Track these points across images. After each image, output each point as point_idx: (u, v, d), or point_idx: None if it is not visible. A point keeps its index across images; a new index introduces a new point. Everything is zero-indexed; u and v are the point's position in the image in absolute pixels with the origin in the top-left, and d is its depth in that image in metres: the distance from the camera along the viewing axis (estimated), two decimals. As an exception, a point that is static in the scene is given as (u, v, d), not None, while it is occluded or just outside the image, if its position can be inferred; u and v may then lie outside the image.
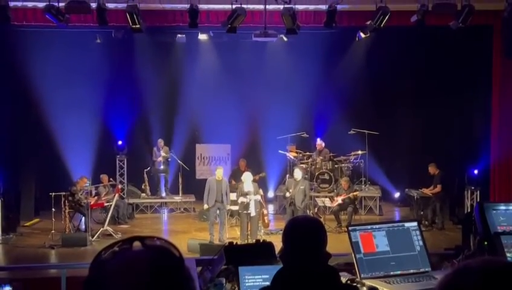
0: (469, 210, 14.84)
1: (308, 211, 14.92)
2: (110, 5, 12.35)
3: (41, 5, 12.24)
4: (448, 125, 16.91)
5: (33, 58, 16.52)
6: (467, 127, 16.69)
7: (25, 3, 12.63)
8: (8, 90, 16.52)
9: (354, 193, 15.56)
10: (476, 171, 15.68)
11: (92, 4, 11.75)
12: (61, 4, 11.57)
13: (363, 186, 17.45)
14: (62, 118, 17.07)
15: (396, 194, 17.93)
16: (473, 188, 15.45)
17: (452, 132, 16.86)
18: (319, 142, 17.83)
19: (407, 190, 16.45)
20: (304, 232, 3.14)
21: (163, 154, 17.66)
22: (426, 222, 15.13)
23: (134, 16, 12.03)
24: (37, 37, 16.04)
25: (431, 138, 17.06)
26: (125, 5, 11.98)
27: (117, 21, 13.87)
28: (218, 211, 14.07)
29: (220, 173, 14.26)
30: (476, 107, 16.38)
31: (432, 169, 15.68)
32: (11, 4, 11.96)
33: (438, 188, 15.50)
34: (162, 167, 17.79)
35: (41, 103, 17.04)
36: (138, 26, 12.25)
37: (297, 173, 14.45)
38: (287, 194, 14.35)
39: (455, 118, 16.93)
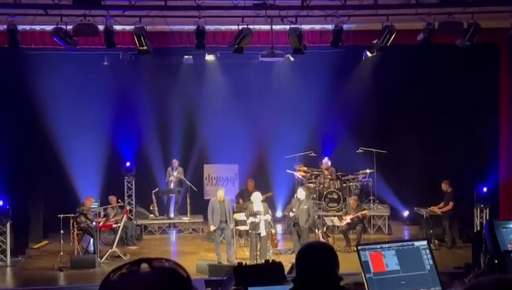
0: (479, 228, 14.77)
1: (317, 231, 14.88)
2: (118, 27, 12.42)
3: (49, 28, 12.32)
4: (457, 143, 16.86)
5: (41, 80, 16.63)
6: (475, 145, 16.62)
7: (33, 27, 12.71)
8: (16, 113, 16.60)
9: (363, 212, 15.50)
10: (485, 189, 15.60)
11: (99, 26, 11.82)
12: (69, 27, 11.64)
13: (372, 205, 17.39)
14: (70, 139, 17.13)
15: (405, 213, 17.85)
16: (482, 206, 15.37)
17: (460, 149, 16.79)
18: (327, 161, 17.81)
19: (416, 208, 16.38)
20: (316, 260, 3.14)
21: (175, 174, 17.64)
22: (436, 241, 15.05)
23: (142, 38, 12.09)
24: (45, 59, 16.14)
25: (439, 156, 17.00)
26: (132, 27, 12.04)
27: (124, 43, 13.95)
28: (223, 231, 14.07)
29: (221, 194, 14.28)
30: (484, 124, 16.33)
31: (445, 186, 15.61)
32: (20, 28, 12.04)
33: (450, 205, 15.42)
34: (175, 186, 17.78)
35: (49, 124, 17.11)
36: (145, 48, 12.31)
37: (301, 193, 14.41)
38: (291, 214, 14.33)
39: (463, 136, 16.87)
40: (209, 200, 15.01)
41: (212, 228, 14.12)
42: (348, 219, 15.39)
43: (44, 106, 16.91)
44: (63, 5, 11.25)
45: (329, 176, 17.46)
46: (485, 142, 16.41)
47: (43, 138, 17.16)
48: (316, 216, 16.24)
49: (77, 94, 17.07)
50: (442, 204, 15.62)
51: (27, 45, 14.10)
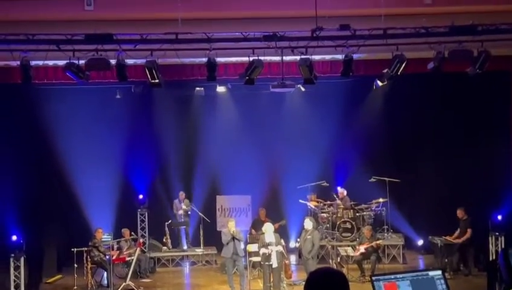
0: (494, 257, 14.64)
1: (330, 261, 14.80)
2: (129, 61, 12.50)
3: (61, 63, 12.43)
4: (470, 171, 16.79)
5: (54, 115, 16.82)
6: (489, 172, 16.55)
7: (46, 62, 12.82)
8: (30, 147, 16.77)
9: (377, 242, 15.41)
10: (499, 217, 15.49)
11: (111, 60, 11.91)
12: (82, 61, 11.74)
13: (386, 234, 17.28)
14: (83, 173, 17.24)
15: (420, 242, 17.73)
16: (497, 234, 15.24)
17: (474, 177, 16.72)
18: (340, 191, 17.77)
19: (430, 237, 16.27)
20: (326, 286, 3.11)
21: (184, 207, 17.63)
22: (451, 270, 14.92)
23: (153, 71, 12.16)
24: (58, 94, 16.31)
25: (453, 184, 16.93)
26: (144, 60, 12.12)
27: (136, 76, 14.05)
28: (235, 263, 14.04)
29: (232, 225, 14.25)
30: (497, 152, 16.28)
31: (461, 213, 15.49)
32: (33, 63, 12.16)
33: (468, 233, 15.28)
34: (183, 219, 17.75)
35: (63, 158, 17.24)
36: (157, 80, 12.37)
37: (307, 223, 14.41)
38: (297, 244, 14.31)
39: (477, 164, 16.80)
40: (221, 232, 14.99)
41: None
42: (362, 248, 15.30)
43: (57, 139, 17.07)
44: (75, 40, 11.37)
45: (342, 206, 17.40)
46: (499, 169, 16.34)
47: (56, 171, 17.27)
48: (330, 246, 16.22)
49: (90, 127, 17.20)
50: (457, 232, 15.50)
51: (40, 80, 14.26)
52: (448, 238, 15.46)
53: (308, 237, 14.07)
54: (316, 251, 14.27)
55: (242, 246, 14.21)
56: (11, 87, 14.88)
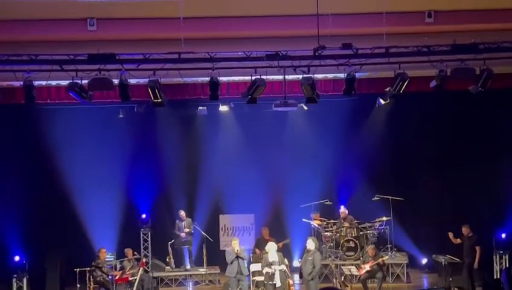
0: (498, 275, 14.58)
1: (334, 280, 14.72)
2: (132, 81, 12.53)
3: (64, 83, 12.45)
4: (474, 189, 16.76)
5: (57, 134, 16.86)
6: (493, 190, 16.52)
7: (49, 82, 12.86)
8: (33, 167, 16.81)
9: (383, 258, 15.30)
10: (503, 235, 15.43)
11: (114, 80, 11.93)
12: (84, 81, 11.77)
13: (390, 253, 17.20)
14: (86, 192, 17.23)
15: (424, 261, 17.64)
16: (501, 252, 15.19)
17: (478, 195, 16.69)
18: (343, 210, 17.73)
19: (434, 256, 16.20)
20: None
21: (186, 229, 17.51)
22: (455, 289, 14.83)
23: (156, 91, 12.16)
24: (60, 114, 16.35)
25: (456, 202, 16.90)
26: (146, 80, 12.14)
27: (139, 96, 14.09)
28: (239, 282, 13.97)
29: (235, 244, 14.19)
30: (501, 169, 16.26)
31: (466, 230, 15.31)
32: (36, 83, 12.18)
33: (478, 250, 15.09)
34: (185, 239, 17.67)
35: (65, 178, 17.25)
36: (160, 100, 12.37)
37: (310, 244, 14.32)
38: (298, 264, 14.27)
39: (480, 182, 16.78)
40: (225, 250, 14.95)
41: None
42: (367, 267, 15.22)
43: (60, 159, 17.10)
44: (78, 60, 11.39)
45: (345, 224, 17.35)
46: (503, 188, 16.31)
47: (59, 191, 17.26)
48: (333, 265, 16.14)
49: (93, 147, 17.22)
50: (464, 252, 15.31)
51: (43, 100, 14.33)
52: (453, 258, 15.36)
53: (310, 258, 13.99)
54: (317, 273, 14.15)
55: (246, 265, 14.16)
56: (14, 108, 14.93)
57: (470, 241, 15.28)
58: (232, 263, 13.96)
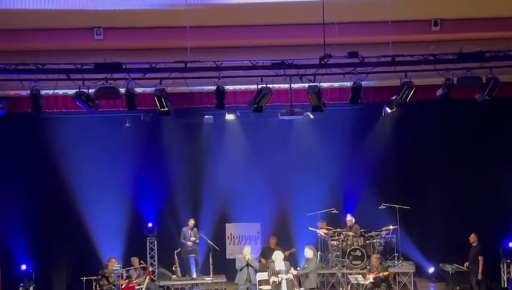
0: (506, 284, 14.53)
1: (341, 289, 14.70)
2: (139, 90, 12.57)
3: (71, 92, 12.50)
4: (480, 198, 16.70)
5: (63, 143, 16.90)
6: (500, 198, 16.47)
7: (55, 91, 12.93)
8: (39, 176, 16.85)
9: (385, 273, 15.20)
10: (510, 244, 15.38)
11: (121, 89, 11.97)
12: (91, 90, 11.80)
13: (396, 261, 17.16)
14: (92, 201, 17.24)
15: (431, 269, 17.58)
16: (508, 261, 15.13)
17: (484, 204, 16.63)
18: (349, 218, 17.69)
19: (441, 264, 16.16)
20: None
21: (192, 238, 17.48)
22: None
23: (162, 99, 12.19)
24: (67, 122, 16.41)
25: (463, 211, 16.85)
26: (153, 89, 12.17)
27: (145, 104, 14.15)
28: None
29: (247, 251, 14.17)
30: (507, 178, 16.21)
31: (473, 238, 15.29)
32: (43, 92, 12.23)
33: (481, 260, 15.06)
34: (191, 247, 17.64)
35: (71, 187, 17.26)
36: (166, 109, 12.39)
37: (307, 252, 14.48)
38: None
39: (487, 190, 16.72)
40: (232, 259, 14.98)
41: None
42: (371, 277, 15.18)
43: (67, 168, 17.13)
44: (85, 69, 11.44)
45: (352, 233, 17.31)
46: (509, 196, 16.25)
47: (65, 200, 17.28)
48: (340, 274, 16.12)
49: (99, 156, 17.23)
50: (467, 263, 15.27)
51: (50, 109, 14.41)
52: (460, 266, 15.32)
53: (306, 265, 14.11)
54: (310, 270, 14.21)
55: (255, 274, 14.16)
56: (22, 116, 14.97)
57: (474, 250, 15.24)
58: (241, 270, 13.95)
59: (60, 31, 13.15)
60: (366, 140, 18.12)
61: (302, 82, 12.09)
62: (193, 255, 17.75)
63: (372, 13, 12.82)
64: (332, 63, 11.63)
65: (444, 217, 17.36)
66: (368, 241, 17.24)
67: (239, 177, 18.23)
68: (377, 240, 17.28)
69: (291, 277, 13.74)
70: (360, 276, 15.50)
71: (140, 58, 12.04)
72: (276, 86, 12.64)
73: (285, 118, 13.15)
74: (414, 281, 16.77)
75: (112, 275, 15.27)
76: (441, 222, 17.39)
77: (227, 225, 18.71)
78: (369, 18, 13.03)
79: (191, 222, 17.65)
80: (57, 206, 17.32)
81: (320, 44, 11.57)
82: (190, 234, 17.52)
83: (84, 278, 14.78)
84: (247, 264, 13.97)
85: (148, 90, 12.79)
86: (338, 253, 17.26)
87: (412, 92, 12.23)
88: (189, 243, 17.46)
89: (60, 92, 13.61)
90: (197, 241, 17.65)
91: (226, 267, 17.21)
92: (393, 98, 12.96)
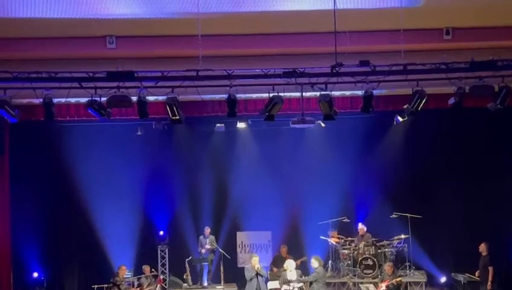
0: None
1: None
2: (151, 98, 12.61)
3: (83, 100, 12.56)
4: (493, 207, 16.63)
5: (75, 151, 16.97)
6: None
7: (68, 99, 12.99)
8: (51, 184, 16.92)
9: (397, 279, 15.16)
10: (523, 252, 15.32)
11: (132, 98, 12.01)
12: (103, 99, 11.85)
13: (408, 271, 17.07)
14: (104, 209, 17.28)
15: (443, 279, 17.47)
16: (520, 270, 15.04)
17: (497, 213, 16.56)
18: (361, 227, 17.64)
19: (453, 274, 16.08)
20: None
21: (207, 246, 17.46)
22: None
23: (174, 108, 12.22)
24: (79, 131, 16.48)
25: (475, 220, 16.77)
26: (165, 97, 12.21)
27: (157, 113, 14.20)
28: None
29: (255, 261, 14.15)
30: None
31: (483, 247, 15.16)
32: (55, 101, 12.29)
33: (491, 271, 14.93)
34: (205, 255, 17.61)
35: (83, 195, 17.32)
36: (178, 117, 12.43)
37: (313, 263, 14.44)
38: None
39: (499, 199, 16.65)
40: (243, 268, 14.91)
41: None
42: (383, 286, 15.12)
43: (79, 176, 17.19)
44: (97, 77, 11.49)
45: (363, 242, 17.26)
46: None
47: (77, 208, 17.34)
48: (351, 283, 16.05)
49: (111, 164, 17.28)
50: (478, 272, 15.17)
51: (62, 117, 14.47)
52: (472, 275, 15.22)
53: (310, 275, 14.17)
54: (314, 277, 14.23)
55: (264, 283, 14.15)
56: (34, 124, 15.05)
57: (484, 260, 15.09)
58: (251, 280, 13.92)
59: (72, 40, 13.24)
60: (377, 149, 18.08)
61: (314, 90, 12.10)
62: (206, 263, 17.71)
63: (383, 22, 12.84)
64: (343, 72, 11.65)
65: (456, 226, 17.27)
66: (379, 251, 17.16)
67: (250, 186, 18.22)
68: (389, 249, 17.19)
69: (303, 285, 13.71)
70: (372, 285, 15.42)
71: (152, 67, 12.10)
72: (288, 94, 12.64)
73: (297, 126, 13.16)
74: (426, 291, 16.71)
75: (123, 283, 15.27)
76: (452, 231, 17.30)
77: (238, 233, 18.70)
78: (381, 27, 13.05)
79: (207, 230, 17.64)
80: (69, 214, 17.37)
81: (331, 52, 11.59)
82: (205, 242, 17.51)
83: (96, 286, 14.79)
84: (257, 274, 13.93)
85: (160, 98, 12.84)
86: (349, 262, 17.20)
87: (424, 100, 12.21)
88: (203, 251, 17.43)
89: (72, 100, 13.67)
90: (214, 249, 17.60)
91: (237, 276, 17.17)
92: (405, 106, 12.95)
